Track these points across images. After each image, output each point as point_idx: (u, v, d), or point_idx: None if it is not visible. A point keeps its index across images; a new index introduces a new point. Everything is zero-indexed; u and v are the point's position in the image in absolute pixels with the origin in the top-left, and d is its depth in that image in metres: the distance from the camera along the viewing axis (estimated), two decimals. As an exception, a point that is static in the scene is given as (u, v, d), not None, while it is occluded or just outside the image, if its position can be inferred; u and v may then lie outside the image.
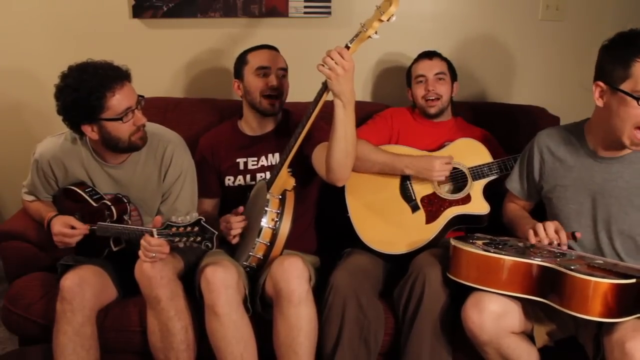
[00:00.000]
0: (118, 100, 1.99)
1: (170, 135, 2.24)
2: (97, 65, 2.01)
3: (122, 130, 2.03)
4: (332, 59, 1.81)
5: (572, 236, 1.87)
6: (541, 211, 2.10)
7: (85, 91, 1.95)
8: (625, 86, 1.74)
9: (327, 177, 2.07)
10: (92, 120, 2.01)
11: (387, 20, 1.77)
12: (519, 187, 2.13)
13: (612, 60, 1.78)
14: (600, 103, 1.83)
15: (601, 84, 1.81)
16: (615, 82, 1.76)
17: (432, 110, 2.41)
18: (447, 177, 2.27)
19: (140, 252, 1.96)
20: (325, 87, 1.91)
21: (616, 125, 1.79)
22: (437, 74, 2.41)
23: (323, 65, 1.83)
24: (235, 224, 2.10)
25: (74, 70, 2.01)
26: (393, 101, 2.71)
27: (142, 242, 1.94)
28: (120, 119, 2.00)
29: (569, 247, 1.92)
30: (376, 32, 1.80)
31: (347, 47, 1.84)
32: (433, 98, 2.40)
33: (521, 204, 2.17)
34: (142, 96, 2.08)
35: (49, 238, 2.11)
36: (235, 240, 2.12)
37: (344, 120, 1.91)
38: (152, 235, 1.91)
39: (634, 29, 1.78)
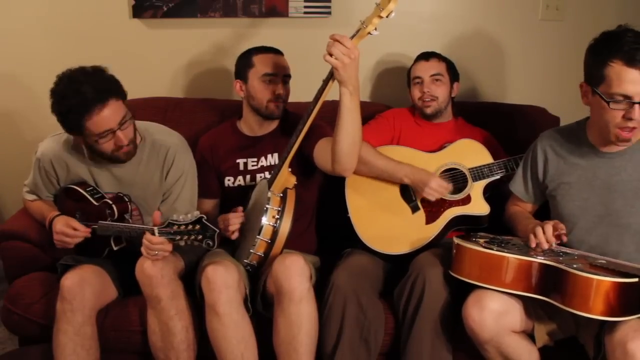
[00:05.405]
0: (95, 124, 1.95)
1: (173, 135, 2.24)
2: (83, 80, 1.95)
3: (103, 146, 2.02)
4: (338, 49, 1.80)
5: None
6: (545, 212, 2.09)
7: (65, 108, 1.95)
8: (601, 89, 1.77)
9: (334, 168, 2.05)
10: (75, 133, 2.02)
11: (387, 17, 1.77)
12: (522, 189, 2.12)
13: (591, 62, 1.81)
14: (584, 102, 1.86)
15: (584, 84, 1.84)
16: (594, 84, 1.79)
17: (428, 111, 2.41)
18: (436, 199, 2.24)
19: (143, 249, 1.96)
20: (328, 79, 1.91)
21: (600, 124, 1.82)
22: (433, 75, 2.40)
23: (330, 56, 1.82)
24: (233, 219, 2.11)
25: (63, 80, 1.97)
26: (393, 102, 2.71)
27: (144, 240, 1.94)
28: (97, 140, 1.99)
29: (572, 247, 1.92)
30: (376, 29, 1.81)
31: None
32: (428, 99, 2.40)
33: (524, 206, 2.15)
34: (131, 111, 2.04)
35: (50, 237, 2.11)
36: (234, 236, 2.12)
37: (351, 108, 1.91)
38: (153, 233, 1.91)
39: (621, 26, 1.79)
